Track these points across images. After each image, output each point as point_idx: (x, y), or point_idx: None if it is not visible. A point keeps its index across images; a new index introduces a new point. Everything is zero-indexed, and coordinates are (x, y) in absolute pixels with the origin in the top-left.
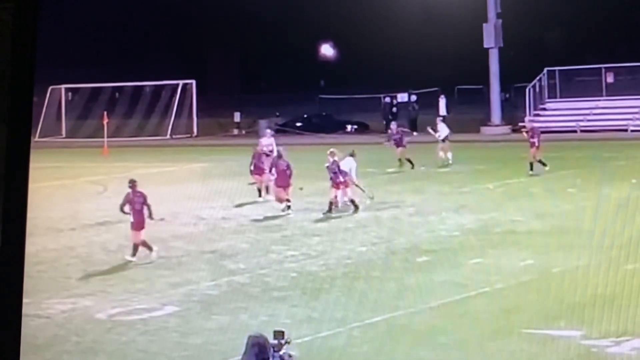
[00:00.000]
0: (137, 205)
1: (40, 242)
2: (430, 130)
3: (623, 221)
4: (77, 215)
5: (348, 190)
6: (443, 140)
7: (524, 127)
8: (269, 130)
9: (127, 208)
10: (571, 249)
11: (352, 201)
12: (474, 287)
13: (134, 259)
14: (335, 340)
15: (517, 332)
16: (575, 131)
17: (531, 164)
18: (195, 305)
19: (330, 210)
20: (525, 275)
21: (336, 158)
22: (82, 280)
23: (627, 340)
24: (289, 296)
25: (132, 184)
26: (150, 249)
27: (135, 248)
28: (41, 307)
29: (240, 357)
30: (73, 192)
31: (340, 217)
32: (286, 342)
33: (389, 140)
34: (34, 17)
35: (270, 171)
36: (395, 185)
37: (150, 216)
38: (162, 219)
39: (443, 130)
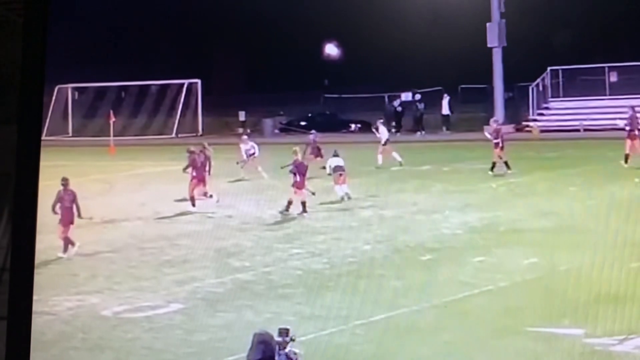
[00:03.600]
0: (66, 203)
1: (47, 240)
2: (374, 131)
3: (627, 220)
4: (84, 214)
5: (304, 191)
6: (384, 144)
7: (528, 126)
8: (245, 137)
9: (57, 206)
10: (575, 247)
11: (303, 203)
12: (478, 286)
13: (64, 255)
14: (340, 338)
15: (522, 330)
16: (578, 130)
17: (493, 164)
18: (200, 302)
19: (287, 209)
20: (529, 273)
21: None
22: (88, 277)
23: (631, 338)
24: (293, 294)
25: (64, 182)
26: (72, 244)
27: (66, 245)
28: (48, 304)
29: (245, 354)
30: (80, 191)
31: (344, 215)
32: (291, 340)
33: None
34: (44, 17)
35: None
36: (399, 183)
37: (79, 215)
38: (90, 218)
39: (383, 133)
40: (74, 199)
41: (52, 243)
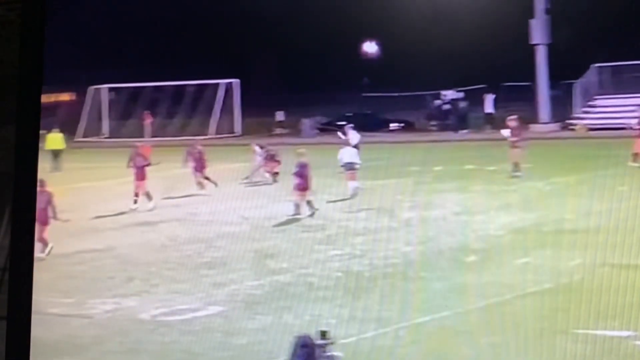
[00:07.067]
0: (41, 204)
1: (81, 243)
2: (340, 135)
3: None
4: (119, 216)
5: (307, 192)
6: (356, 147)
7: (572, 124)
8: (257, 148)
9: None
10: (621, 247)
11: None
12: (523, 287)
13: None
14: (382, 341)
15: (568, 332)
16: (624, 128)
17: (516, 164)
18: (238, 305)
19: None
20: (574, 274)
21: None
22: (124, 280)
23: None
24: (333, 296)
25: (41, 183)
26: (46, 245)
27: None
28: (84, 307)
29: (284, 357)
30: (114, 192)
31: (384, 216)
32: (331, 343)
33: None
34: (42, 17)
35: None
36: (441, 184)
37: (54, 216)
38: (67, 220)
39: (354, 137)
40: (48, 200)
41: (86, 246)
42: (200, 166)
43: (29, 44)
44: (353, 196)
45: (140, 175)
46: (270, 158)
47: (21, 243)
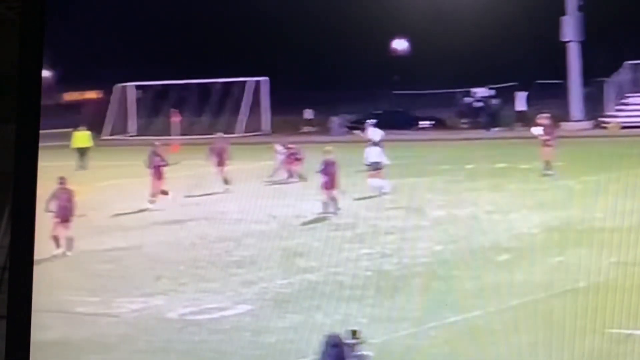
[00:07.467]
0: (62, 201)
1: (108, 241)
2: (359, 133)
3: None
4: (146, 214)
5: (334, 191)
6: (378, 144)
7: (605, 122)
8: (279, 147)
9: (53, 204)
10: None
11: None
12: (556, 286)
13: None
14: (412, 340)
15: (602, 331)
16: None
17: (547, 163)
18: (268, 303)
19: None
20: (609, 273)
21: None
22: (152, 279)
23: None
24: (363, 295)
25: (61, 181)
26: (58, 245)
27: (57, 242)
28: (111, 306)
29: (314, 356)
30: (141, 190)
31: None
32: (361, 342)
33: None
34: (41, 16)
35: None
36: (473, 182)
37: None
38: (82, 215)
39: (375, 134)
40: (69, 198)
41: (113, 244)
42: (221, 162)
43: (29, 43)
44: (377, 195)
45: (158, 175)
46: (292, 156)
47: (20, 242)
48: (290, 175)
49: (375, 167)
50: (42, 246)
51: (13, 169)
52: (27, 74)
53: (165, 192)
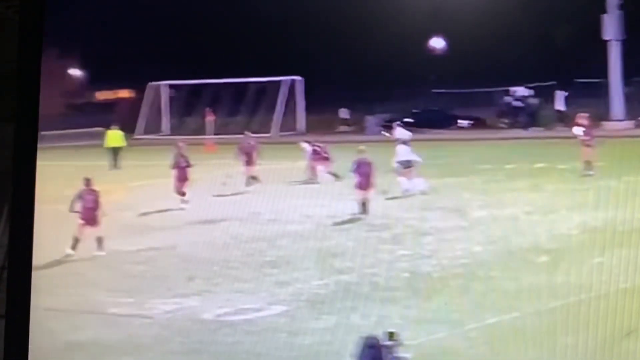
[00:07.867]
0: (88, 203)
1: (140, 242)
2: (385, 133)
3: None
4: (179, 214)
5: (369, 192)
6: (405, 143)
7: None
8: (305, 145)
9: (78, 205)
10: None
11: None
12: (597, 288)
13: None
14: (451, 342)
15: None
16: None
17: (587, 163)
18: (303, 304)
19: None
20: None
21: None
22: (186, 279)
23: None
24: (400, 297)
25: (87, 182)
26: (74, 247)
27: (75, 243)
28: (144, 307)
29: (350, 358)
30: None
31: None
32: (398, 344)
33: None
34: (40, 15)
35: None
36: (512, 182)
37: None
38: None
39: (402, 134)
40: (96, 200)
41: (146, 245)
42: (250, 161)
43: (28, 42)
44: (411, 195)
45: (182, 176)
46: (318, 155)
47: (19, 241)
48: (315, 174)
49: (406, 165)
50: (52, 246)
51: (11, 168)
52: (26, 73)
53: (183, 194)
